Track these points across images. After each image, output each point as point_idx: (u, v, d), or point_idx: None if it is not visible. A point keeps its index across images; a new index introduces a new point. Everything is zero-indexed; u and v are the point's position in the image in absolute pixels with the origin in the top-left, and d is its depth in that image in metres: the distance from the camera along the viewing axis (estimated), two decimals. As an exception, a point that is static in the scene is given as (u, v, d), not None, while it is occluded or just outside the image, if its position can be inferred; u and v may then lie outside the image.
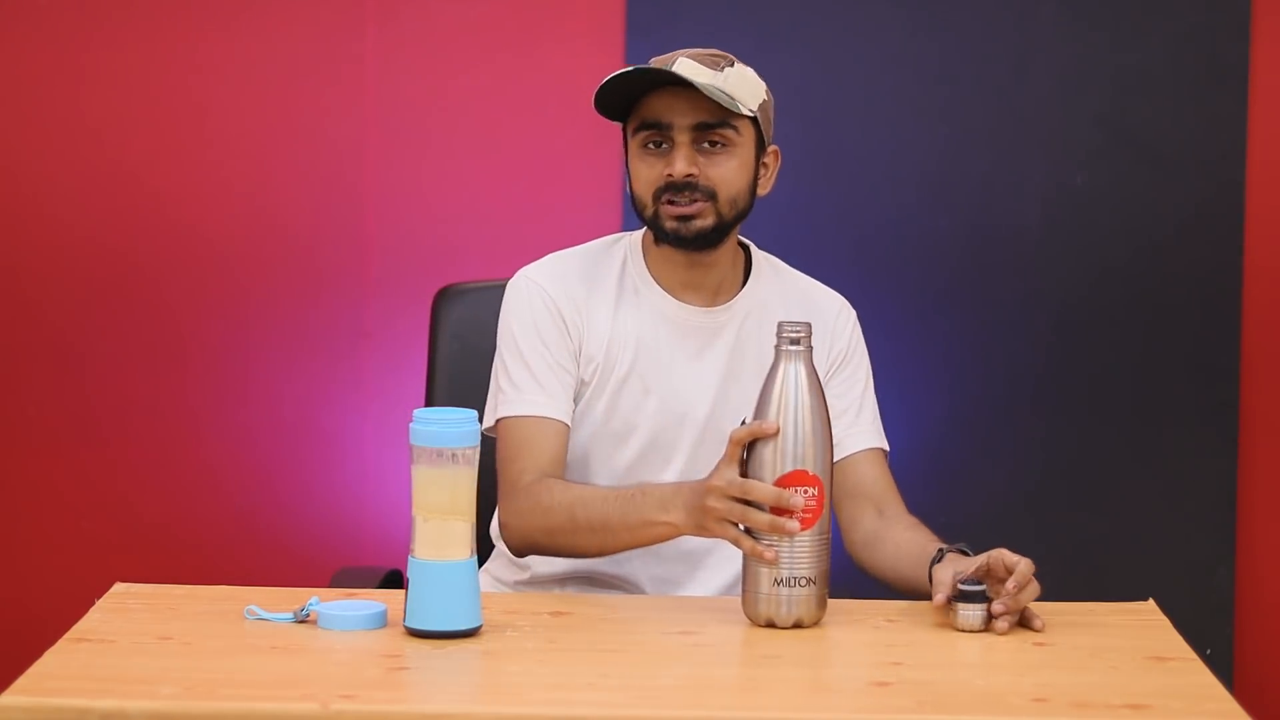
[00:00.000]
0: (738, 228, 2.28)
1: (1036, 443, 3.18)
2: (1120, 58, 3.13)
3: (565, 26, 3.16)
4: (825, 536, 1.97)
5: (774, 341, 1.98)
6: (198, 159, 3.19)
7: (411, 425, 1.93)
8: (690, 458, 2.29)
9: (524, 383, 2.26)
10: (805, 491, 1.95)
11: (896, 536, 2.21)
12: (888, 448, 2.33)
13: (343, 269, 3.19)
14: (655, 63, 2.23)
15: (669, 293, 2.30)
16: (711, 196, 2.21)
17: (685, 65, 2.19)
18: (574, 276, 2.31)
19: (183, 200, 3.19)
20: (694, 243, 2.23)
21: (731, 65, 2.22)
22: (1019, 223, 3.16)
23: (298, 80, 3.18)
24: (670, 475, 2.28)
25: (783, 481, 1.95)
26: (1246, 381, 3.16)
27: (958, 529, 3.16)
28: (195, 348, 3.21)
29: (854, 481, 2.28)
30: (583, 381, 2.29)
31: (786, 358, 1.97)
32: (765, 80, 2.27)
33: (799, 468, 1.95)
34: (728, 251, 2.29)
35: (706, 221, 2.22)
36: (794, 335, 1.97)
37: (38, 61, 3.17)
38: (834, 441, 2.06)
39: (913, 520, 2.24)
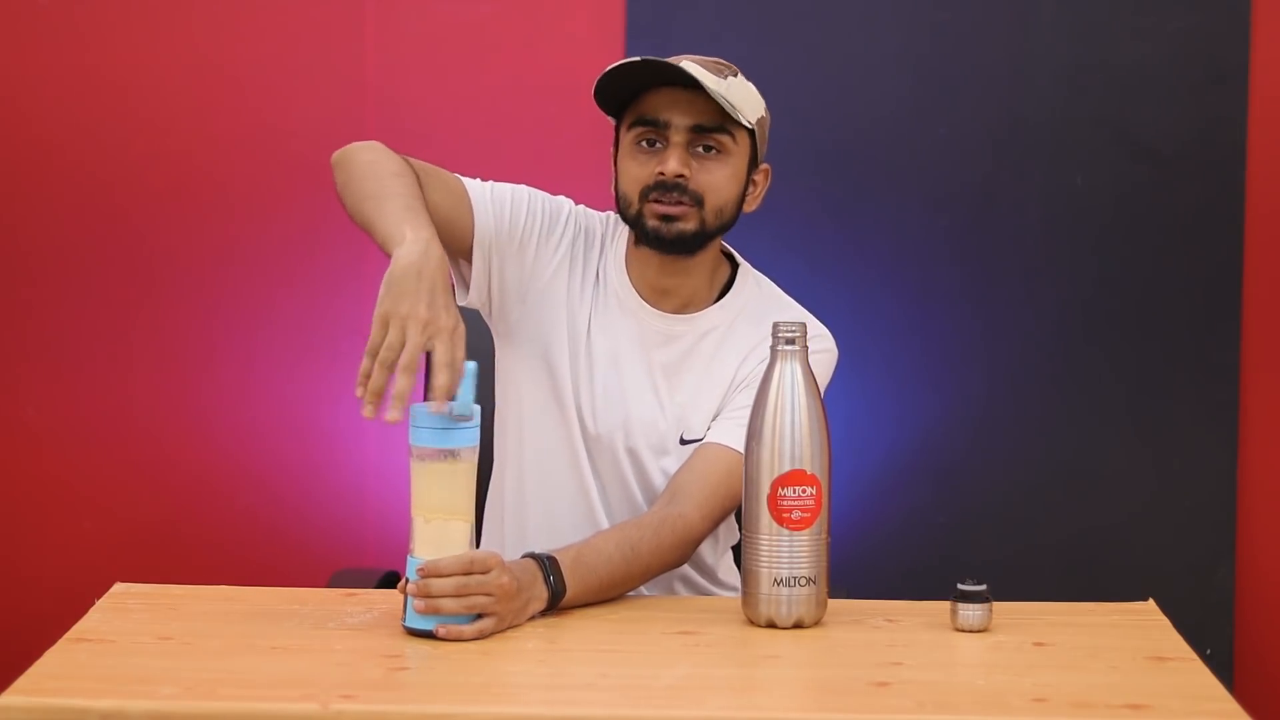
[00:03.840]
0: (719, 239, 2.26)
1: (1036, 442, 3.18)
2: (1120, 58, 3.13)
3: (565, 26, 3.16)
4: (825, 536, 1.97)
5: (770, 343, 1.98)
6: (198, 160, 3.19)
7: (411, 425, 1.93)
8: (617, 455, 2.28)
9: (492, 182, 2.30)
10: (804, 491, 1.95)
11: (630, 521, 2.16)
12: None
13: (344, 269, 3.19)
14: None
15: (638, 292, 2.29)
16: (698, 201, 2.19)
17: (690, 67, 2.18)
18: (590, 232, 2.32)
19: (183, 200, 3.19)
20: (673, 245, 2.21)
21: (735, 75, 2.21)
22: (1019, 223, 3.15)
23: (298, 80, 3.18)
24: (588, 467, 2.28)
25: (781, 481, 1.95)
26: (1246, 381, 3.15)
27: (958, 529, 3.19)
28: (196, 348, 3.22)
29: (683, 465, 2.23)
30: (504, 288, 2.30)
31: (782, 358, 1.96)
32: (765, 78, 2.27)
33: (796, 467, 1.95)
34: (705, 262, 2.27)
35: (689, 225, 2.20)
36: (789, 335, 1.97)
37: (38, 65, 3.18)
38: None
39: (662, 518, 2.13)
